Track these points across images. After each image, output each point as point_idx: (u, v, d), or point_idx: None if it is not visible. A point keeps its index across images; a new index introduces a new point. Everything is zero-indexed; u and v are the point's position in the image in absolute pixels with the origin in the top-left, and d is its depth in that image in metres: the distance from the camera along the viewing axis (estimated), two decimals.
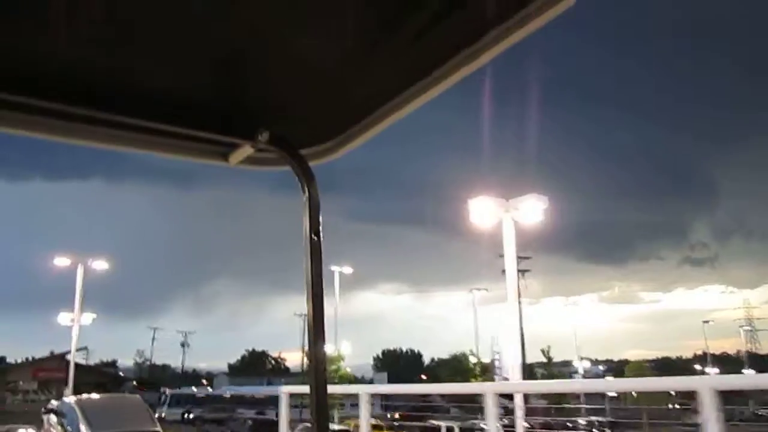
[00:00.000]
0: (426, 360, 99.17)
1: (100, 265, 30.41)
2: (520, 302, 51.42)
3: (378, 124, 1.49)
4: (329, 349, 39.57)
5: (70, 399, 13.13)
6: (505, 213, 17.65)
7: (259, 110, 1.49)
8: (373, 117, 1.49)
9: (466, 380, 40.79)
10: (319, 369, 1.46)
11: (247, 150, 1.53)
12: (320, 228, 1.51)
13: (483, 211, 17.84)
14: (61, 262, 29.49)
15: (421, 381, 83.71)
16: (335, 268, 38.77)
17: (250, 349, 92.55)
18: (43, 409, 13.94)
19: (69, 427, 11.95)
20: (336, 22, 1.26)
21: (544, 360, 48.72)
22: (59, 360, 56.22)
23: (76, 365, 57.42)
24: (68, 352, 57.41)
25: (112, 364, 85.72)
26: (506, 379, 17.07)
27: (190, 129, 1.45)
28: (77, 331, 30.12)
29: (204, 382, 79.21)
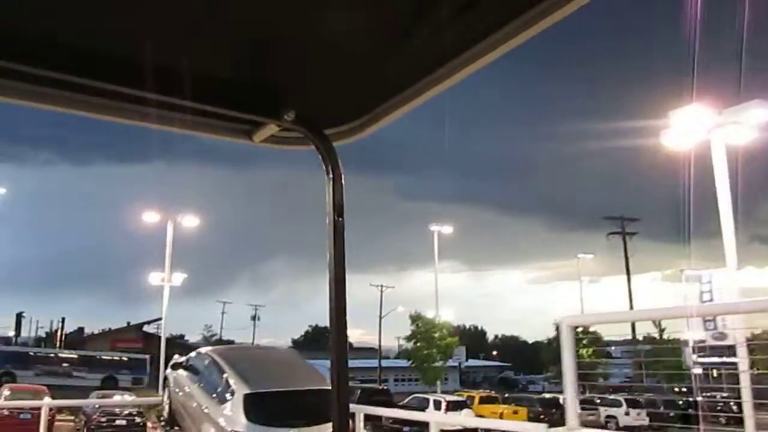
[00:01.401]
0: (489, 337, 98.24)
1: (191, 221, 27.94)
2: (629, 270, 47.19)
3: (404, 105, 1.49)
4: (429, 315, 36.82)
5: (207, 350, 10.11)
6: (717, 129, 13.76)
7: (285, 89, 1.48)
8: (399, 98, 1.48)
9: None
10: (340, 346, 1.51)
11: (271, 129, 1.56)
12: (343, 209, 1.53)
13: (687, 126, 13.99)
14: (151, 217, 27.12)
15: (492, 358, 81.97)
16: (435, 228, 35.29)
17: (314, 324, 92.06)
18: (169, 367, 11.03)
19: (212, 386, 9.02)
20: (364, 1, 1.27)
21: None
22: (135, 330, 55.27)
23: (153, 336, 56.52)
24: (145, 323, 56.73)
25: (180, 338, 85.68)
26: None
27: (215, 106, 1.46)
28: (168, 292, 27.69)
29: None
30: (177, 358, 10.96)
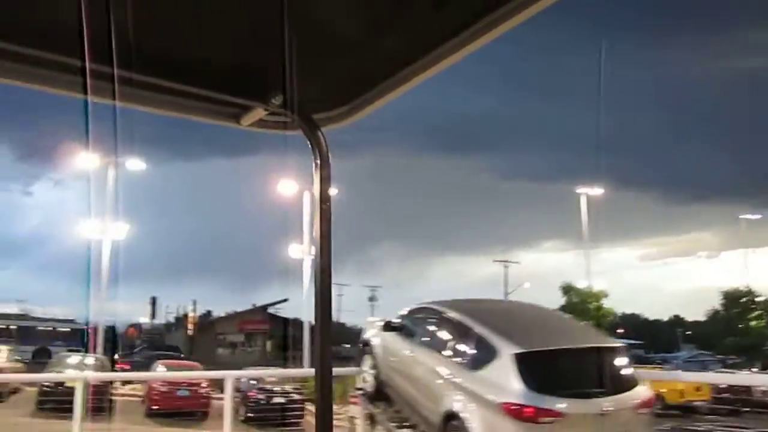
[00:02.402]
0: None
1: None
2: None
3: (393, 90, 1.50)
4: (581, 285, 33.84)
5: (433, 305, 8.01)
6: None
7: (273, 73, 1.45)
8: (388, 82, 1.49)
9: None
10: (324, 332, 1.56)
11: (259, 113, 1.57)
12: (329, 194, 1.55)
13: None
14: (286, 188, 26.03)
15: (618, 336, 77.57)
16: (583, 190, 31.98)
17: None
18: (371, 329, 9.11)
19: (453, 348, 6.99)
20: None
21: None
22: (261, 312, 55.66)
23: (277, 317, 56.80)
24: (269, 305, 57.12)
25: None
26: None
27: (202, 89, 1.48)
28: (309, 263, 26.53)
29: None
30: (380, 319, 9.04)
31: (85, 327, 39.98)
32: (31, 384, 18.80)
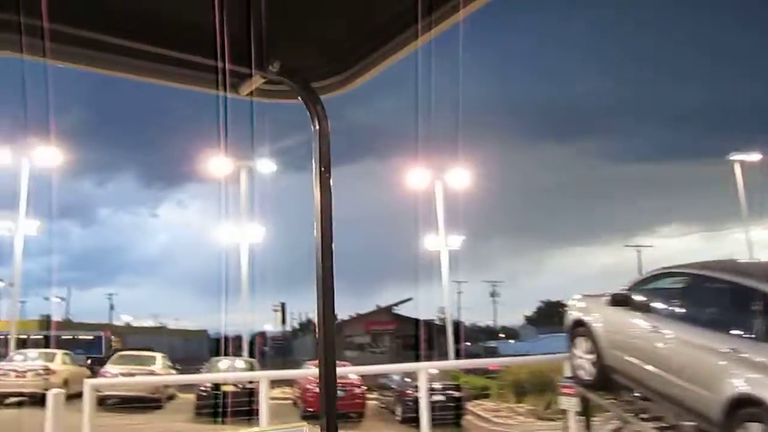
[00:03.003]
0: None
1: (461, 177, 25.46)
2: None
3: (391, 55, 1.47)
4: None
5: (684, 269, 6.54)
6: None
7: (271, 40, 1.44)
8: (386, 48, 1.46)
9: None
10: (327, 314, 1.47)
11: (257, 80, 1.54)
12: (330, 162, 1.50)
13: None
14: (417, 180, 25.18)
15: None
16: (738, 156, 28.57)
17: (546, 300, 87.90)
18: (580, 303, 7.78)
19: (719, 320, 5.55)
20: None
21: None
22: (386, 312, 55.38)
23: (403, 317, 56.23)
24: (393, 305, 56.78)
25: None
26: None
27: (200, 57, 1.45)
28: (446, 252, 25.54)
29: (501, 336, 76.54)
30: (590, 295, 7.69)
31: (102, 335, 42.60)
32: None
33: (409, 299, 58.64)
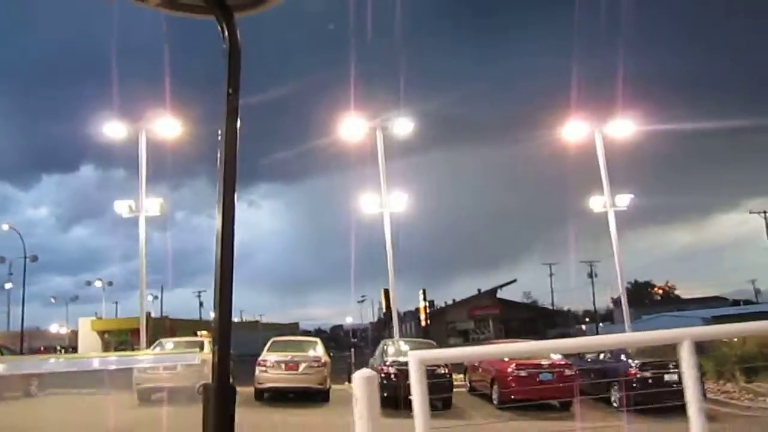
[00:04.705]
0: None
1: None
2: None
3: None
4: None
5: None
6: None
7: None
8: None
9: None
10: (225, 264, 1.46)
11: None
12: (239, 84, 1.41)
13: None
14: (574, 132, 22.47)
15: None
16: None
17: (633, 281, 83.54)
18: None
19: None
20: None
21: None
22: (490, 296, 52.89)
23: (508, 301, 53.46)
24: (497, 288, 54.17)
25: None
26: None
27: None
28: (614, 221, 22.90)
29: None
30: None
31: None
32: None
33: (513, 281, 55.95)
